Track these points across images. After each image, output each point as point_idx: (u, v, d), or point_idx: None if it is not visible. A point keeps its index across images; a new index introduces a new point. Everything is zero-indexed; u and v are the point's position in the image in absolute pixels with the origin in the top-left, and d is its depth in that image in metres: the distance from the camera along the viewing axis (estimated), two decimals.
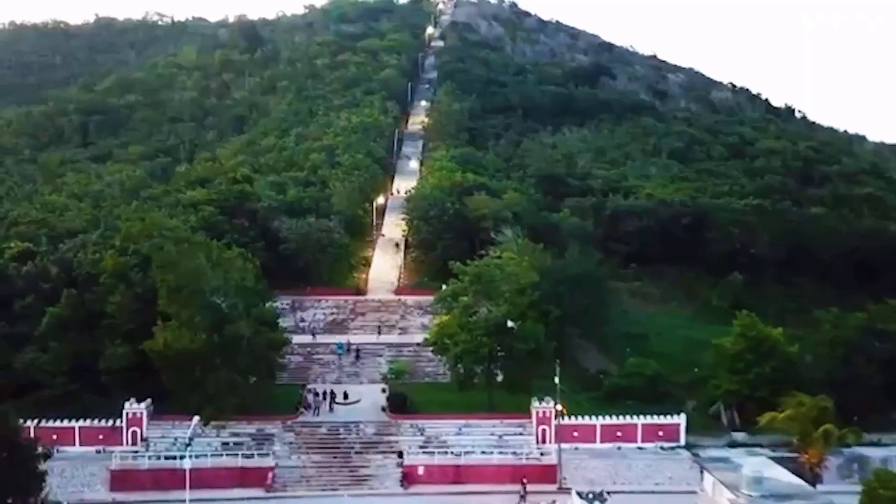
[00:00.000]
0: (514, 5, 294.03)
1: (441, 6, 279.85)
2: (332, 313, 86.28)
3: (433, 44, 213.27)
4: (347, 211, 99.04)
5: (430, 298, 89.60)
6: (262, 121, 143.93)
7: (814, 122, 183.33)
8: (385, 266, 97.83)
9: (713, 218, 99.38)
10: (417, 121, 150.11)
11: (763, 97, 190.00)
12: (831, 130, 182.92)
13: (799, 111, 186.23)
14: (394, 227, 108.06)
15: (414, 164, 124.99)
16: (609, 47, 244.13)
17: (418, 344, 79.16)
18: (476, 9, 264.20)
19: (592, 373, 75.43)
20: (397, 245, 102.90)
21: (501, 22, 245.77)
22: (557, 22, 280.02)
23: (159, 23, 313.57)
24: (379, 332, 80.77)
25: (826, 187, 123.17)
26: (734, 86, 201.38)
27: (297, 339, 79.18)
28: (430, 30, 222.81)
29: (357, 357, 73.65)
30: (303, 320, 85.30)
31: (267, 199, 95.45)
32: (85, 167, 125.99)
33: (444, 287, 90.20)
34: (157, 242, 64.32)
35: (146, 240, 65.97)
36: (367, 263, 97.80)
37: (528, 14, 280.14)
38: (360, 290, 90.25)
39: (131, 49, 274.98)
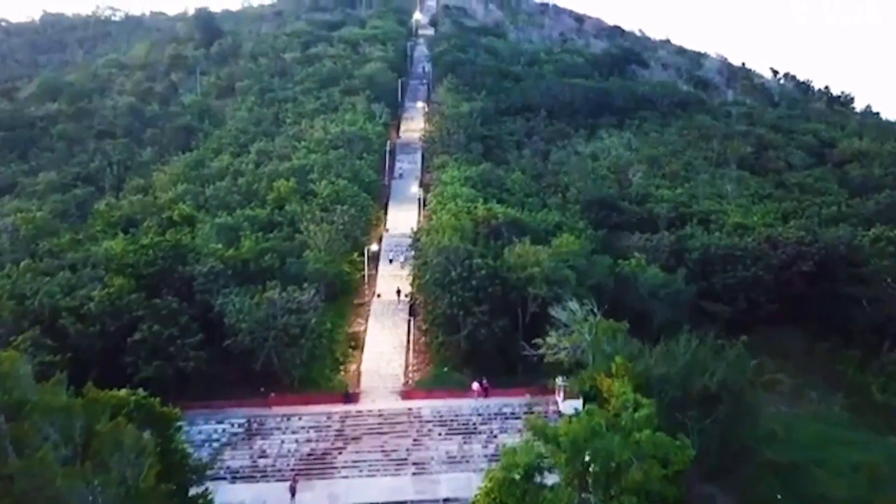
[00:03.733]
0: None
1: None
2: (308, 440, 56.31)
3: (421, 31, 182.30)
4: (328, 268, 68.77)
5: (455, 404, 60.50)
6: (215, 133, 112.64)
7: (877, 113, 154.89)
8: (384, 347, 67.74)
9: (850, 262, 70.35)
10: (413, 126, 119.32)
11: (813, 84, 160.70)
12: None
13: (849, 101, 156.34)
14: (391, 279, 78.14)
15: (414, 189, 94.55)
16: (621, 31, 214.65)
17: (447, 500, 50.41)
18: None
19: None
20: (399, 292, 73.55)
21: (497, 4, 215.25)
22: (555, 5, 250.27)
23: (112, 18, 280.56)
24: None
25: None
26: (775, 72, 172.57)
27: (254, 492, 50.50)
28: (416, 15, 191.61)
29: None
30: (264, 454, 55.26)
31: (209, 258, 64.78)
32: None
33: (477, 386, 61.66)
34: None
35: None
36: (358, 345, 67.68)
37: None
38: (350, 395, 60.28)
39: (79, 47, 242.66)
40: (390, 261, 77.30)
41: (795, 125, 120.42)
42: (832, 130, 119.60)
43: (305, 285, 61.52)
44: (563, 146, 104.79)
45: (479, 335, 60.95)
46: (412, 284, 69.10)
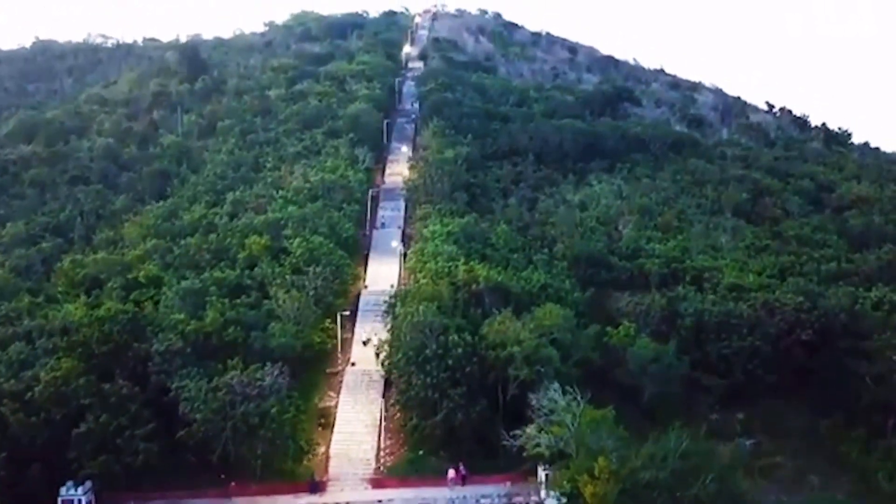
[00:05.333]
0: (499, 16, 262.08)
1: (418, 19, 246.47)
2: None
3: (411, 65, 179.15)
4: (295, 342, 64.72)
5: (430, 495, 56.00)
6: (192, 179, 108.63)
7: (877, 148, 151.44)
8: (356, 426, 63.42)
9: (852, 331, 66.34)
10: (397, 170, 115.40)
11: (809, 118, 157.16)
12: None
13: (846, 137, 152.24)
14: (370, 346, 73.63)
15: (395, 243, 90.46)
16: (614, 62, 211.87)
17: None
18: (459, 21, 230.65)
19: None
20: (378, 355, 68.61)
21: (489, 36, 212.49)
22: (549, 34, 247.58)
23: (106, 44, 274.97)
24: None
25: None
26: (771, 106, 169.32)
27: None
28: (406, 48, 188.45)
29: None
30: None
31: (169, 333, 60.74)
32: None
33: (452, 474, 57.11)
34: None
35: None
36: (328, 423, 63.39)
37: (516, 26, 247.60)
38: (317, 483, 56.10)
39: (69, 76, 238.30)
40: (364, 342, 71.83)
41: (792, 167, 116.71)
42: (830, 173, 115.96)
43: (268, 365, 57.33)
44: (550, 194, 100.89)
45: (455, 420, 56.76)
46: (385, 361, 64.68)
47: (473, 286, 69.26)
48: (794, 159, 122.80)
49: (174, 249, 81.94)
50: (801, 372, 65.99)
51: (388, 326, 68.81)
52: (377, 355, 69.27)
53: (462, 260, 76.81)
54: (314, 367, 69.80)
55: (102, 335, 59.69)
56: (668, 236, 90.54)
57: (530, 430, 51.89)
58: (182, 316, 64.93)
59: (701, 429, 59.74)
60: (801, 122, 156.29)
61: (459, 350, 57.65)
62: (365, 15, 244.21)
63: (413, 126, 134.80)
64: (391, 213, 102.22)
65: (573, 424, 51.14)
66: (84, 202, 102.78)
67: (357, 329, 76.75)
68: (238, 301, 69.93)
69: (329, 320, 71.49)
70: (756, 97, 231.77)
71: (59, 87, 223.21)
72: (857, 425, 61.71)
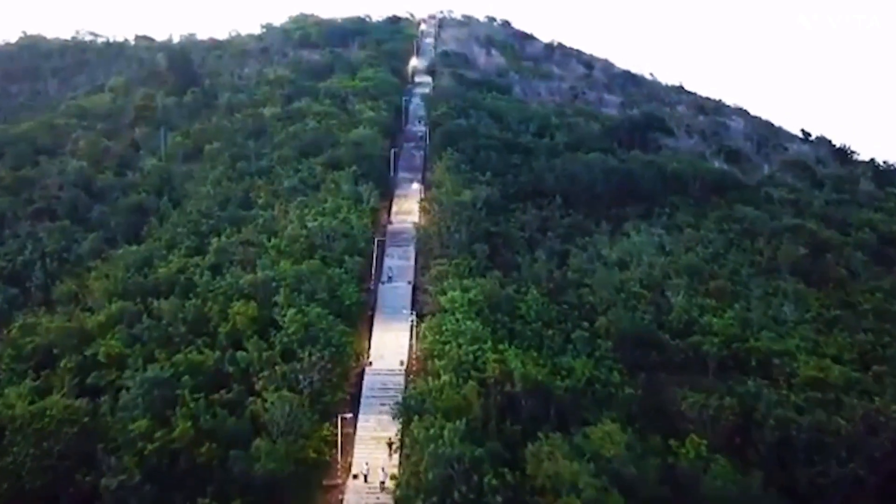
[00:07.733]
0: (507, 24, 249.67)
1: (423, 26, 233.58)
2: None
3: (418, 79, 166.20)
4: (285, 462, 51.70)
5: None
6: (173, 216, 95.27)
7: None
8: None
9: None
10: (405, 208, 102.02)
11: (850, 150, 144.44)
12: None
13: (890, 170, 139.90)
14: (373, 444, 60.69)
15: (406, 311, 77.19)
16: (632, 78, 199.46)
17: None
18: (466, 31, 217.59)
19: None
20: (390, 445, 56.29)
21: (499, 48, 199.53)
22: (561, 45, 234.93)
23: (96, 42, 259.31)
24: None
25: None
26: (807, 134, 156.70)
27: None
28: (413, 62, 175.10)
29: None
30: None
31: (125, 454, 47.82)
32: None
33: None
34: None
35: None
36: None
37: (527, 36, 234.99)
38: None
39: (54, 77, 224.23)
40: (358, 476, 58.02)
41: (848, 214, 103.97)
42: (891, 221, 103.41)
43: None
44: (583, 245, 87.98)
45: None
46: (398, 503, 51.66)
47: (507, 387, 56.52)
48: (847, 203, 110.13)
49: (144, 318, 68.63)
50: None
51: (398, 435, 56.10)
52: (382, 483, 56.10)
53: (489, 342, 64.05)
54: (307, 479, 56.75)
55: (38, 461, 46.70)
56: (722, 304, 77.86)
57: None
58: (145, 422, 51.92)
59: None
60: (842, 154, 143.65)
61: (499, 499, 44.75)
62: (367, 20, 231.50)
63: (422, 153, 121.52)
64: (399, 263, 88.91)
65: None
66: (47, 242, 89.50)
67: (360, 422, 63.77)
68: (216, 397, 56.94)
69: (328, 424, 58.26)
70: (776, 111, 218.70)
71: (43, 88, 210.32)
72: None
